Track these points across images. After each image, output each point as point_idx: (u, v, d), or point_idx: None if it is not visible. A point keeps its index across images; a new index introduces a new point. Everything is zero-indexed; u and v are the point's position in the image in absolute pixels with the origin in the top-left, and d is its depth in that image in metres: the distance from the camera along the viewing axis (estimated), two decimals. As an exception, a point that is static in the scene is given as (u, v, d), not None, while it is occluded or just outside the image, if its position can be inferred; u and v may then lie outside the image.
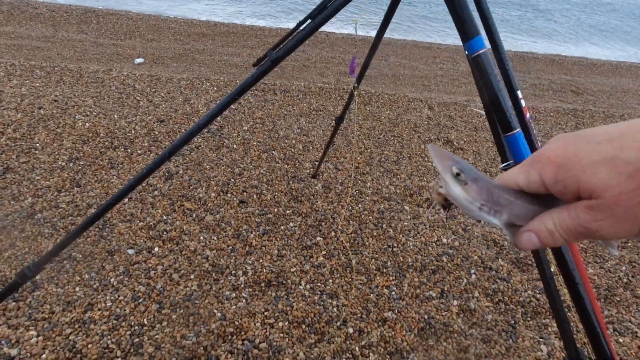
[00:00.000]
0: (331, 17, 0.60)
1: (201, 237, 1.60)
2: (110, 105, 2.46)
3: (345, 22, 7.02)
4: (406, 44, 6.17)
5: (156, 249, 1.52)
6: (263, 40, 5.30)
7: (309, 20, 0.63)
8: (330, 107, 2.79)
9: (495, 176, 0.35)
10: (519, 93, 0.64)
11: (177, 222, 1.66)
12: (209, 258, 1.51)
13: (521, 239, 0.32)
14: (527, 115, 0.66)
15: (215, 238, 1.61)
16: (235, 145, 2.22)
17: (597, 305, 0.74)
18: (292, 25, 7.03)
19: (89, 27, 4.89)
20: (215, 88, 2.83)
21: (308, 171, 2.08)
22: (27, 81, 2.63)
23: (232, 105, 2.62)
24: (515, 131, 0.61)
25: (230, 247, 1.58)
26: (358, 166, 2.19)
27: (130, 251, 1.50)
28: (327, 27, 7.08)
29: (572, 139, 0.29)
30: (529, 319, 1.43)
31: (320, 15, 0.59)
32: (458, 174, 0.33)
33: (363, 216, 1.84)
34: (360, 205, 1.90)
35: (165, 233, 1.60)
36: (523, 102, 0.64)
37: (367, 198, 1.95)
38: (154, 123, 2.33)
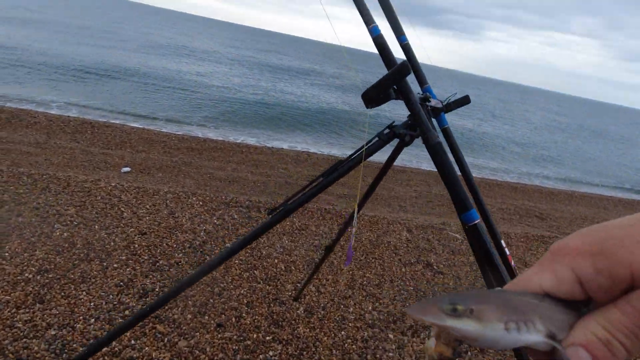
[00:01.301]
0: (341, 177, 0.69)
1: (171, 368, 1.46)
2: (92, 215, 2.44)
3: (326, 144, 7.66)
4: (381, 166, 6.69)
5: (118, 381, 1.36)
6: (248, 157, 5.61)
7: (320, 178, 0.71)
8: (313, 226, 2.86)
9: None
10: (502, 242, 0.72)
11: (146, 348, 1.52)
12: (177, 394, 1.35)
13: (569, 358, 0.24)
14: (512, 263, 0.72)
15: (186, 369, 1.47)
16: (216, 262, 2.18)
17: None
18: (281, 145, 7.55)
19: (82, 136, 5.11)
20: (200, 202, 2.89)
21: (290, 293, 2.02)
22: (12, 187, 2.62)
23: (215, 221, 2.65)
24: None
25: (202, 381, 1.43)
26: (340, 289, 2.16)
27: (88, 384, 1.33)
28: (309, 147, 7.67)
29: (596, 229, 0.25)
30: None
31: (332, 175, 0.68)
32: (454, 309, 0.25)
33: (346, 345, 1.74)
34: (343, 333, 1.81)
35: (131, 362, 1.45)
36: (507, 251, 0.71)
37: (350, 324, 1.88)
38: (135, 235, 2.30)
